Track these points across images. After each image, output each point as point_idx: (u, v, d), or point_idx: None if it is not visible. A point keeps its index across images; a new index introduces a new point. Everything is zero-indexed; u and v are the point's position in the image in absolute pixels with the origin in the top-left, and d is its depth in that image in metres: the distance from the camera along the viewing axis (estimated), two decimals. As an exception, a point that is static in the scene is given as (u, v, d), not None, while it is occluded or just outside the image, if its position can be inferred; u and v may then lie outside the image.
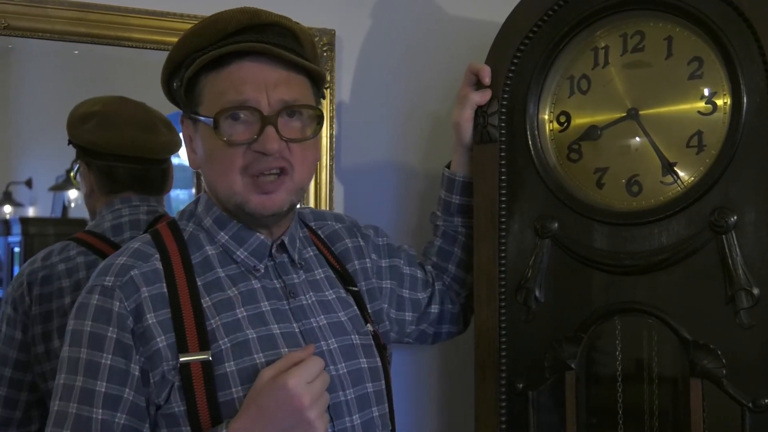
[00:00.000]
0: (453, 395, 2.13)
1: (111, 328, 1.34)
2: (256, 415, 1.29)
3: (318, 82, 1.48)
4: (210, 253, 1.45)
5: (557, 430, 1.60)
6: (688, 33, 1.53)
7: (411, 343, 1.81)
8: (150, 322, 1.35)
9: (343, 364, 1.45)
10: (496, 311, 1.66)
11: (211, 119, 1.37)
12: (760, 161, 1.42)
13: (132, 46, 1.88)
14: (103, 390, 1.32)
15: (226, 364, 1.34)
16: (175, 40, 1.86)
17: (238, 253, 1.45)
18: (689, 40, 1.53)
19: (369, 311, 1.59)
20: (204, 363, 1.34)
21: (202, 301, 1.38)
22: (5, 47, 1.95)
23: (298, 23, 1.46)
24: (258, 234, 1.46)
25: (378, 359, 1.51)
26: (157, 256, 1.41)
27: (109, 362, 1.33)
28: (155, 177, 1.95)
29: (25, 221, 2.21)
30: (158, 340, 1.34)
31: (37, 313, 1.80)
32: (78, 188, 2.01)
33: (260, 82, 1.37)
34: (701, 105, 1.51)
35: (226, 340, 1.36)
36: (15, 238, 2.25)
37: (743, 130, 1.44)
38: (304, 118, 1.42)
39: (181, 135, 1.60)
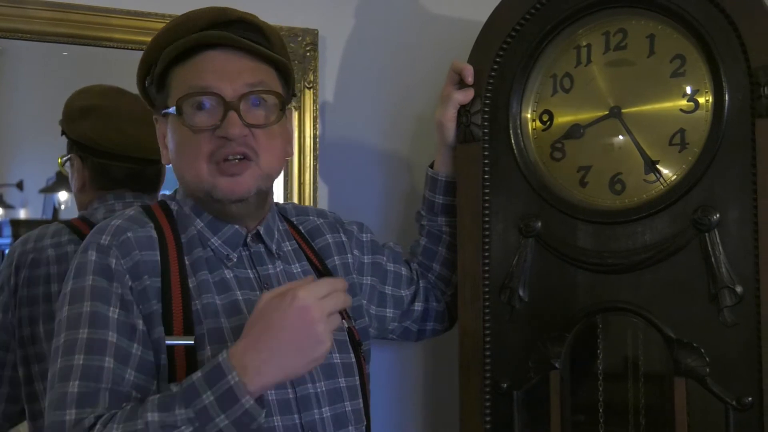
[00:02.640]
0: (438, 395, 2.12)
1: (113, 283, 1.33)
2: (261, 331, 1.22)
3: (286, 76, 1.48)
4: (193, 233, 1.44)
5: (542, 429, 1.58)
6: (671, 31, 1.52)
7: (395, 339, 1.80)
8: (147, 283, 1.34)
9: None
10: (481, 311, 1.65)
11: (174, 107, 1.39)
12: (742, 159, 1.41)
13: (113, 47, 1.87)
14: (114, 341, 1.29)
15: (204, 351, 1.33)
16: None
17: (212, 240, 1.44)
18: (671, 37, 1.52)
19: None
20: (188, 348, 1.33)
21: (189, 280, 1.38)
22: (-7, 49, 1.93)
23: (266, 22, 1.48)
24: (232, 224, 1.46)
25: (352, 355, 1.50)
26: (152, 225, 1.41)
27: (115, 316, 1.31)
28: (150, 176, 1.93)
29: (15, 223, 2.20)
30: (153, 302, 1.34)
31: (24, 295, 1.79)
32: (66, 175, 1.98)
33: (224, 70, 1.38)
34: (683, 103, 1.50)
35: (203, 324, 1.35)
36: (5, 240, 2.25)
37: (725, 128, 1.44)
38: (268, 105, 1.42)
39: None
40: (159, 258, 1.38)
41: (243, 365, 1.20)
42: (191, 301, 1.37)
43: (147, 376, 1.31)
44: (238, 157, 1.38)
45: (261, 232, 1.49)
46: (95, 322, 1.30)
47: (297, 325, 1.22)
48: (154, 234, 1.40)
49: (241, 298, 1.42)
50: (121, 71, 1.99)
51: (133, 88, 1.91)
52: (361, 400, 1.50)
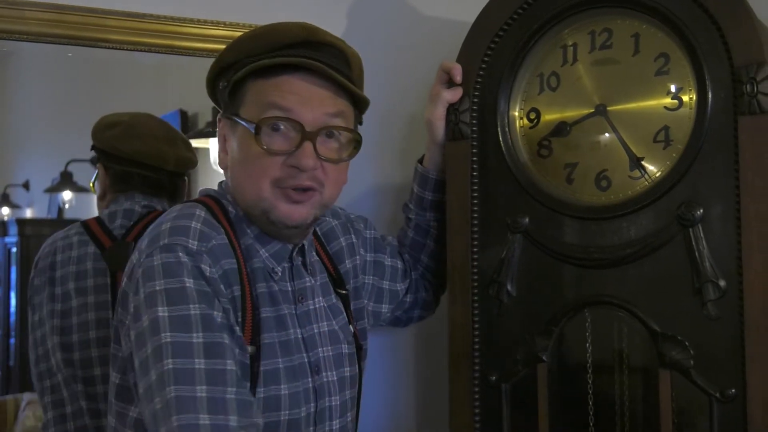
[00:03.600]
0: (428, 388, 2.11)
1: (211, 287, 1.27)
2: None
3: (361, 108, 1.46)
4: (248, 242, 1.40)
5: (530, 421, 1.58)
6: (655, 30, 1.51)
7: (383, 326, 1.82)
8: (236, 293, 1.31)
9: (334, 372, 1.45)
10: (469, 305, 1.64)
11: (254, 125, 1.34)
12: (725, 155, 1.41)
13: (110, 48, 1.84)
14: (229, 343, 1.25)
15: (259, 362, 1.31)
16: (153, 41, 1.86)
17: (261, 252, 1.40)
18: (656, 36, 1.51)
19: (352, 311, 1.59)
20: (252, 356, 1.31)
21: (253, 289, 1.35)
22: (0, 51, 1.92)
23: (351, 47, 1.44)
24: (279, 240, 1.42)
25: (357, 367, 1.53)
26: (223, 230, 1.35)
27: (224, 321, 1.26)
28: (165, 185, 1.96)
29: (21, 222, 2.21)
30: (238, 313, 1.30)
31: (38, 284, 1.86)
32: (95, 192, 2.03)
33: (307, 97, 1.35)
34: (668, 101, 1.49)
35: (261, 337, 1.33)
36: (12, 239, 2.25)
37: (709, 125, 1.43)
38: (342, 140, 1.40)
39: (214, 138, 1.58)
40: (236, 267, 1.33)
41: None
42: (256, 311, 1.34)
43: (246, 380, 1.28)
44: (304, 189, 1.35)
45: (305, 246, 1.46)
46: (209, 325, 1.24)
47: None
48: (227, 241, 1.34)
49: (286, 312, 1.40)
50: (127, 73, 1.99)
51: (137, 88, 1.92)
52: (356, 410, 1.54)
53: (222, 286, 1.29)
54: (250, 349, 1.30)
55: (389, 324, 1.80)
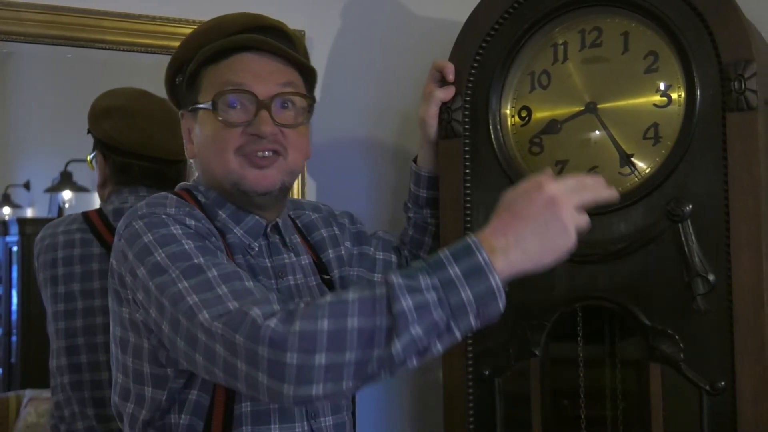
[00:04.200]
0: (422, 383, 2.11)
1: (200, 236, 1.29)
2: (508, 218, 1.15)
3: (310, 80, 1.49)
4: (221, 221, 1.42)
5: (523, 414, 1.57)
6: (644, 28, 1.51)
7: None
8: (218, 244, 1.32)
9: None
10: (463, 301, 1.62)
11: (210, 102, 1.38)
12: (713, 152, 1.40)
13: (105, 48, 1.84)
14: (226, 261, 1.26)
15: None
16: (147, 41, 1.85)
17: (235, 230, 1.43)
18: (645, 35, 1.51)
19: None
20: None
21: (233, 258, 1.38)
22: (0, 52, 1.91)
23: (292, 29, 1.50)
24: (253, 215, 1.44)
25: None
26: (197, 209, 1.38)
27: (214, 247, 1.28)
28: (168, 175, 1.92)
29: (22, 222, 2.21)
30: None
31: (41, 279, 1.82)
32: (92, 170, 1.99)
33: (258, 70, 1.40)
34: (657, 98, 1.49)
35: None
36: (13, 237, 2.24)
37: (697, 122, 1.43)
38: (296, 107, 1.43)
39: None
40: (217, 235, 1.36)
41: (491, 247, 1.12)
42: None
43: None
44: (268, 153, 1.39)
45: (279, 224, 1.48)
46: (205, 251, 1.26)
47: (543, 214, 1.15)
48: (203, 216, 1.37)
49: (264, 285, 1.39)
50: (125, 73, 1.98)
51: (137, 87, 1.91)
52: None
53: (212, 236, 1.32)
54: None
55: None
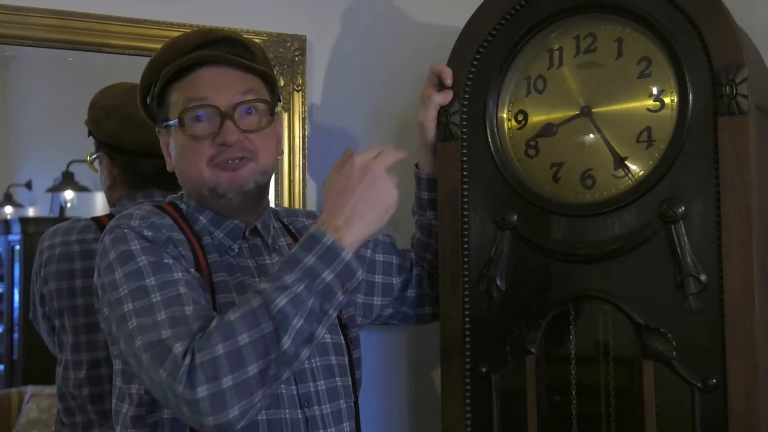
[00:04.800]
0: (421, 378, 2.12)
1: (155, 246, 1.35)
2: (337, 197, 1.30)
3: (271, 84, 1.53)
4: (201, 226, 1.47)
5: (519, 410, 1.58)
6: (638, 34, 1.51)
7: (396, 324, 1.82)
8: (183, 253, 1.37)
9: None
10: (461, 300, 1.64)
11: (177, 119, 1.43)
12: (705, 155, 1.41)
13: (112, 53, 1.84)
14: (181, 276, 1.31)
15: None
16: (153, 46, 1.85)
17: (215, 233, 1.47)
18: (638, 41, 1.51)
19: None
20: None
21: (207, 257, 1.42)
22: (3, 56, 1.91)
23: (247, 38, 1.54)
24: (232, 219, 1.48)
25: (341, 337, 1.53)
26: (169, 218, 1.44)
27: (170, 261, 1.33)
28: None
29: (24, 221, 2.20)
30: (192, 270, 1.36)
31: (54, 289, 1.75)
32: (96, 172, 1.93)
33: (217, 83, 1.44)
34: (650, 102, 1.49)
35: (218, 297, 1.38)
36: (15, 236, 2.24)
37: (689, 126, 1.43)
38: (259, 111, 1.47)
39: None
40: (185, 238, 1.41)
41: (334, 227, 1.27)
42: (211, 275, 1.41)
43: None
44: (238, 159, 1.42)
45: (258, 227, 1.52)
46: (158, 269, 1.31)
47: (364, 181, 1.30)
48: (172, 222, 1.43)
49: (241, 280, 1.44)
50: (125, 77, 1.97)
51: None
52: (349, 378, 1.53)
53: (170, 246, 1.36)
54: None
55: (401, 321, 1.79)
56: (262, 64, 1.51)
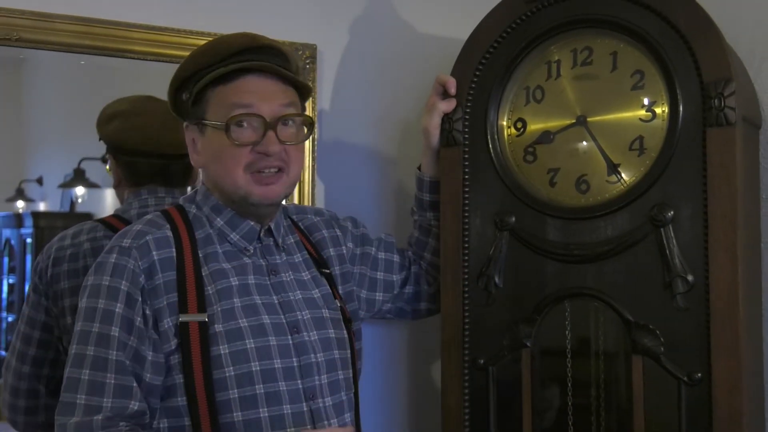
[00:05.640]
0: (422, 370, 2.12)
1: (124, 282, 1.38)
2: None
3: (304, 94, 1.54)
4: (209, 231, 1.49)
5: (514, 400, 1.59)
6: (632, 49, 1.53)
7: (392, 318, 1.83)
8: (159, 282, 1.39)
9: (315, 332, 1.49)
10: (460, 296, 1.65)
11: (223, 123, 1.43)
12: (694, 163, 1.43)
13: (133, 58, 1.85)
14: (117, 335, 1.36)
15: (216, 326, 1.39)
16: (173, 52, 1.86)
17: (231, 235, 1.49)
18: (632, 55, 1.53)
19: (340, 291, 1.63)
20: (201, 323, 1.39)
21: (202, 270, 1.43)
22: (18, 58, 1.92)
23: (285, 46, 1.53)
24: (248, 221, 1.50)
25: (344, 331, 1.55)
26: (168, 226, 1.46)
27: (121, 312, 1.36)
28: (177, 170, 1.89)
29: (36, 215, 2.19)
30: (164, 298, 1.39)
31: (66, 287, 1.75)
32: (109, 173, 1.95)
33: (263, 93, 1.45)
34: (642, 113, 1.51)
35: (216, 306, 1.41)
36: (27, 230, 2.23)
37: (680, 135, 1.45)
38: (297, 124, 1.49)
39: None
40: (174, 254, 1.42)
41: None
42: (204, 287, 1.42)
43: (139, 364, 1.37)
44: (274, 169, 1.45)
45: (272, 227, 1.53)
46: (105, 318, 1.37)
47: None
48: (170, 234, 1.45)
49: (254, 282, 1.47)
50: (134, 79, 1.99)
51: (143, 93, 1.91)
52: (350, 371, 1.55)
53: (143, 277, 1.39)
54: (197, 317, 1.39)
55: (396, 315, 1.80)
56: (296, 73, 1.52)
